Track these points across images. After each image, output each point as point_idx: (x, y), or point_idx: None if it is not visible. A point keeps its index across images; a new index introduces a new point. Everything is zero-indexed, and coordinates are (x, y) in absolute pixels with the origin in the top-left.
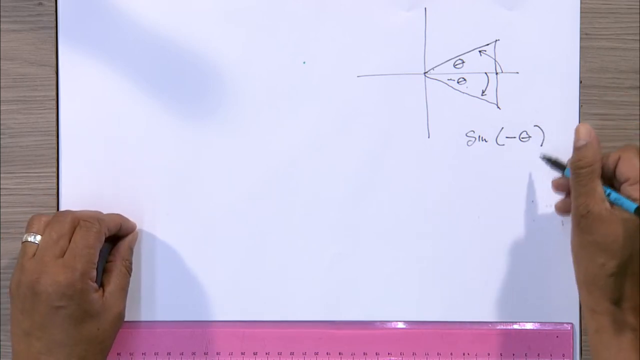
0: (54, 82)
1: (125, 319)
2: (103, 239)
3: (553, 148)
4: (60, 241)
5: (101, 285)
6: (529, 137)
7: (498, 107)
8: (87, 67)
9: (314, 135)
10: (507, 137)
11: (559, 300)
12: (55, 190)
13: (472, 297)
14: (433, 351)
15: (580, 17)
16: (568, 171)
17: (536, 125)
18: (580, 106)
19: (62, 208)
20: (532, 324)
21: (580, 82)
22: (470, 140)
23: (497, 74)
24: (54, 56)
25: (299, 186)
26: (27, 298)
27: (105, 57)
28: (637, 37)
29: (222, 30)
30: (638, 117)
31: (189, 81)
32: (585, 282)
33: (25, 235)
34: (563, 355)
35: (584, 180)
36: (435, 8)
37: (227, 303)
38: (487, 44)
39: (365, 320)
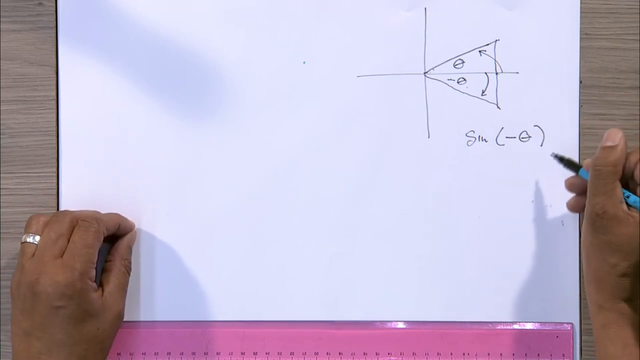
0: (54, 82)
1: (125, 319)
2: (102, 238)
3: (553, 148)
4: (59, 241)
5: (100, 284)
6: (529, 137)
7: (498, 107)
8: (87, 67)
9: (314, 135)
10: (507, 137)
11: (559, 300)
12: (55, 190)
13: (472, 297)
14: (433, 351)
15: (580, 17)
16: (583, 171)
17: (536, 125)
18: (580, 106)
19: (62, 208)
20: (532, 324)
21: (580, 82)
22: (470, 140)
23: (497, 74)
24: (54, 56)
25: (299, 186)
26: (27, 298)
27: (105, 57)
28: (637, 37)
29: (222, 30)
30: (638, 117)
31: (189, 81)
32: (594, 280)
33: (24, 236)
34: (563, 355)
35: (604, 180)
36: (435, 8)
37: (226, 303)
38: (487, 44)
39: (365, 320)
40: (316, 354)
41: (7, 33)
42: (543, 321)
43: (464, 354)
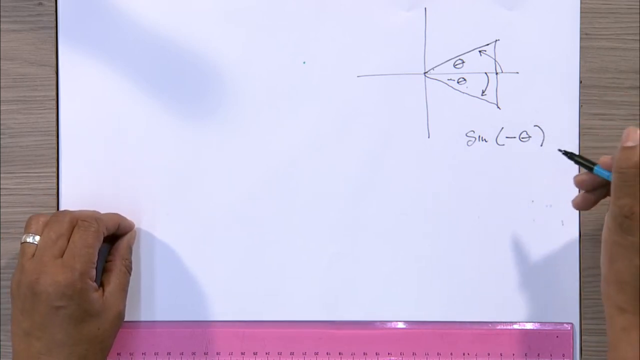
0: (54, 82)
1: (125, 319)
2: (102, 238)
3: (553, 148)
4: (59, 241)
5: (101, 284)
6: (529, 137)
7: (498, 107)
8: (87, 67)
9: (314, 135)
10: (507, 137)
11: (559, 300)
12: (55, 190)
13: (472, 297)
14: (433, 351)
15: (580, 17)
16: (598, 169)
17: (536, 125)
18: (580, 106)
19: (62, 208)
20: (532, 324)
21: (580, 82)
22: (470, 140)
23: (497, 74)
24: (54, 56)
25: (299, 186)
26: (27, 298)
27: (105, 57)
28: (637, 37)
29: (222, 30)
30: (638, 117)
31: (189, 81)
32: (617, 281)
33: (24, 236)
34: (563, 355)
35: (630, 182)
36: (435, 8)
37: (227, 303)
38: (487, 44)
39: (365, 320)
40: (316, 354)
41: (7, 33)
42: (543, 321)
43: (464, 354)
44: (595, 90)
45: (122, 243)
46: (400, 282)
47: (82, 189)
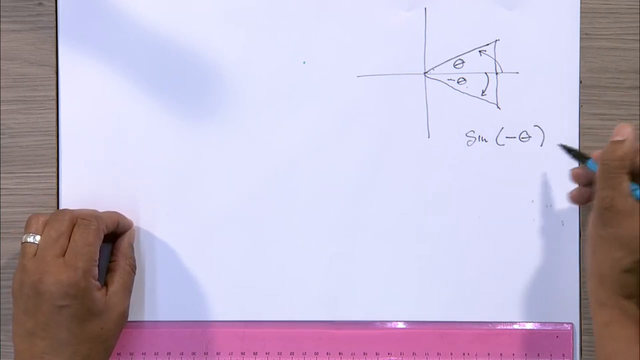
0: (54, 82)
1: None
2: (102, 236)
3: (553, 148)
4: (60, 240)
5: (105, 284)
6: (529, 137)
7: (498, 107)
8: (87, 67)
9: (314, 135)
10: (507, 137)
11: (559, 300)
12: (55, 190)
13: (472, 297)
14: (433, 351)
15: (580, 17)
16: (591, 163)
17: (536, 125)
18: (580, 106)
19: (62, 208)
20: (532, 324)
21: (580, 82)
22: (470, 140)
23: (497, 74)
24: (54, 56)
25: (299, 186)
26: (30, 298)
27: (105, 57)
28: (637, 37)
29: (222, 30)
30: (638, 117)
31: (189, 81)
32: (598, 274)
33: (24, 236)
34: (563, 355)
35: (612, 173)
36: (435, 8)
37: (226, 303)
38: (487, 44)
39: (365, 320)
40: (316, 354)
41: (7, 33)
42: (543, 321)
43: (464, 354)
44: (595, 90)
45: (124, 242)
46: (400, 282)
47: (82, 188)
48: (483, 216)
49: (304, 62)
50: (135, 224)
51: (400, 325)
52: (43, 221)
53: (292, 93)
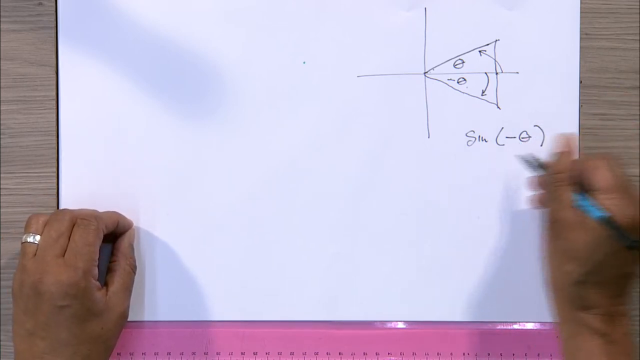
0: (54, 82)
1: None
2: (102, 235)
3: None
4: (60, 240)
5: (105, 284)
6: (529, 137)
7: (498, 107)
8: (87, 67)
9: (314, 135)
10: (507, 137)
11: None
12: (55, 190)
13: (472, 297)
14: (433, 351)
15: (580, 17)
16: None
17: (536, 125)
18: (580, 106)
19: (62, 208)
20: (532, 324)
21: (580, 82)
22: (470, 140)
23: (497, 74)
24: (54, 56)
25: (299, 186)
26: (30, 298)
27: (105, 57)
28: (637, 37)
29: (222, 30)
30: (638, 117)
31: (189, 81)
32: (554, 289)
33: (24, 236)
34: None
35: (555, 185)
36: (435, 8)
37: (227, 303)
38: (487, 44)
39: (365, 320)
40: (316, 354)
41: (7, 33)
42: (543, 321)
43: (464, 354)
44: (595, 90)
45: (124, 242)
46: (400, 282)
47: (81, 188)
48: (483, 216)
49: (304, 62)
50: (135, 224)
51: (400, 325)
52: (43, 221)
53: (292, 93)
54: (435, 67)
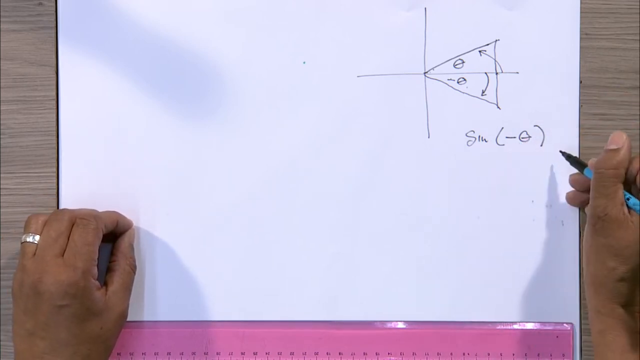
0: (54, 82)
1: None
2: (101, 235)
3: (553, 148)
4: (60, 239)
5: (105, 284)
6: (529, 137)
7: (498, 107)
8: (87, 67)
9: (314, 135)
10: (507, 137)
11: (559, 300)
12: (55, 190)
13: (472, 297)
14: (433, 351)
15: (580, 17)
16: (588, 171)
17: (536, 125)
18: (580, 106)
19: (62, 208)
20: (532, 324)
21: (580, 82)
22: (470, 140)
23: (497, 74)
24: (54, 56)
25: (299, 186)
26: (30, 298)
27: (105, 57)
28: (637, 37)
29: (222, 30)
30: (638, 117)
31: (189, 81)
32: (593, 283)
33: (24, 236)
34: (563, 355)
35: (606, 182)
36: (435, 8)
37: (227, 303)
38: (487, 44)
39: (365, 320)
40: (316, 354)
41: (7, 33)
42: (543, 321)
43: (464, 354)
44: (595, 90)
45: (124, 242)
46: (400, 282)
47: (81, 188)
48: (483, 216)
49: (304, 62)
50: (135, 224)
51: (400, 325)
52: (42, 221)
53: (292, 93)
54: (435, 67)
